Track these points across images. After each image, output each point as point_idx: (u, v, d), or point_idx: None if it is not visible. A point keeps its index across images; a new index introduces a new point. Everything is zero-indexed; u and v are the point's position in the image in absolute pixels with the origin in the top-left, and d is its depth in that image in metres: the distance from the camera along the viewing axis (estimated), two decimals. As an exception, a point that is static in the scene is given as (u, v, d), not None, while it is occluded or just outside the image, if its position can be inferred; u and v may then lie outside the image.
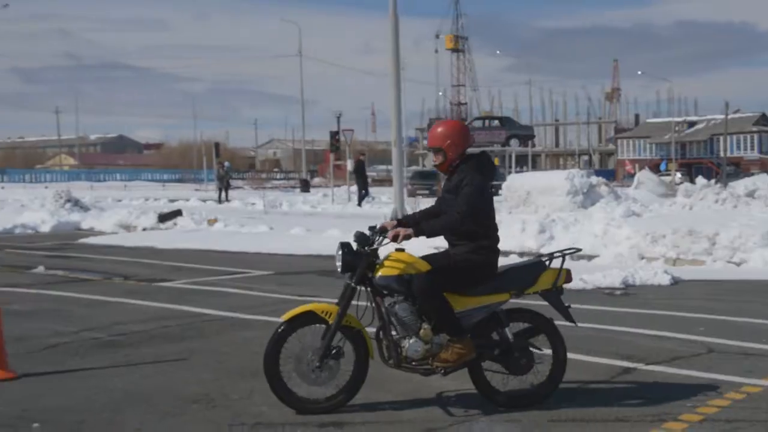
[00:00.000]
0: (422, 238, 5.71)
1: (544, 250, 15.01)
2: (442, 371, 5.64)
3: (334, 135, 43.33)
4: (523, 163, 45.82)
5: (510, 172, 34.65)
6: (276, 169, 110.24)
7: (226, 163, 43.42)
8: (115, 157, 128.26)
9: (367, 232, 5.74)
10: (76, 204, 26.21)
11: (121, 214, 24.26)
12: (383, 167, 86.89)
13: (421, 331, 5.54)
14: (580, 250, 6.63)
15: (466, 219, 5.65)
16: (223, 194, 40.13)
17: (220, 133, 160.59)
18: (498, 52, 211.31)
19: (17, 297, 10.28)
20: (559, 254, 5.91)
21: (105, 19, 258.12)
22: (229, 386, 6.36)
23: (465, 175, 5.77)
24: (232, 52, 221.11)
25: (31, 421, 5.48)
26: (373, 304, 5.71)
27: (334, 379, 5.65)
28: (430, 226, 5.75)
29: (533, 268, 5.89)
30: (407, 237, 5.55)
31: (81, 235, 21.25)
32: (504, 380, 5.86)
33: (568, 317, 5.91)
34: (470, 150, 5.99)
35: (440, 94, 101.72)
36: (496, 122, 47.26)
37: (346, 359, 5.67)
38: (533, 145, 51.58)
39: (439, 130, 5.90)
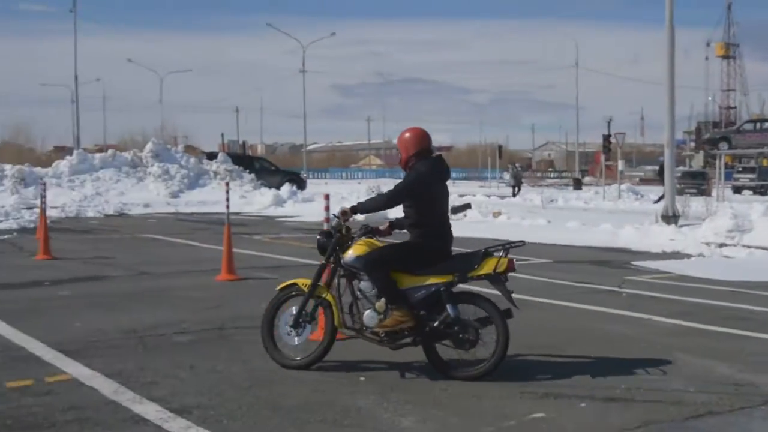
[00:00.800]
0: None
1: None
2: (384, 335, 5.81)
3: (607, 138, 41.95)
4: (794, 163, 41.56)
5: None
6: (550, 169, 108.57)
7: (518, 165, 44.17)
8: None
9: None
10: (384, 197, 27.45)
11: (420, 206, 25.06)
12: (650, 168, 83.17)
13: (377, 303, 5.81)
14: (524, 243, 6.39)
15: (393, 198, 5.99)
16: (515, 190, 40.39)
17: (501, 137, 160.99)
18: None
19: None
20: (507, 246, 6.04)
21: (408, 42, 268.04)
22: (519, 359, 6.37)
23: (413, 170, 6.04)
24: (513, 65, 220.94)
25: (359, 374, 5.84)
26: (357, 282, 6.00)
27: (306, 340, 5.99)
28: (363, 205, 6.09)
29: (476, 255, 5.95)
30: (344, 212, 6.00)
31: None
32: (451, 354, 5.87)
33: (510, 301, 5.89)
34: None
35: (710, 99, 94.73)
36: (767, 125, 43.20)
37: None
38: (808, 146, 46.64)
39: (405, 135, 6.21)
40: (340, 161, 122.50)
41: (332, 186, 52.78)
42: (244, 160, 39.13)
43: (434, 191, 6.05)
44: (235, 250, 11.21)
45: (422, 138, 6.16)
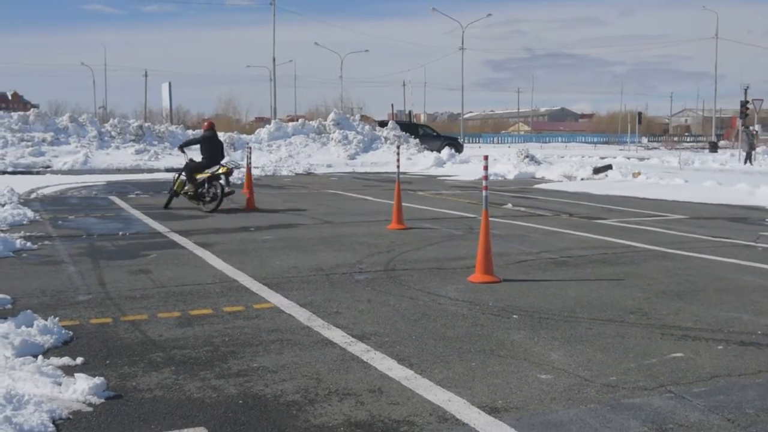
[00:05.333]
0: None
1: None
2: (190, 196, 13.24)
3: (744, 104, 38.48)
4: None
5: None
6: (686, 134, 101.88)
7: (753, 128, 36.77)
8: (558, 125, 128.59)
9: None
10: (532, 159, 26.75)
11: (565, 167, 24.22)
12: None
13: (188, 185, 13.18)
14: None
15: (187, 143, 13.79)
16: (749, 156, 32.06)
17: (640, 105, 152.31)
18: None
19: (494, 225, 10.73)
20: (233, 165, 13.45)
21: (552, 20, 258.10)
22: (659, 304, 6.03)
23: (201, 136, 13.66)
24: (651, 39, 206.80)
25: (512, 313, 5.74)
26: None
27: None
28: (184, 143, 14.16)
29: (218, 166, 13.05)
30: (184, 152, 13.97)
31: (535, 182, 21.66)
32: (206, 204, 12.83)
33: (228, 185, 13.02)
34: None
35: None
36: None
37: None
38: None
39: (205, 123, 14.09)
40: (492, 128, 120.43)
41: (485, 149, 52.18)
42: (409, 127, 39.26)
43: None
44: (402, 204, 11.33)
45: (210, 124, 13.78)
